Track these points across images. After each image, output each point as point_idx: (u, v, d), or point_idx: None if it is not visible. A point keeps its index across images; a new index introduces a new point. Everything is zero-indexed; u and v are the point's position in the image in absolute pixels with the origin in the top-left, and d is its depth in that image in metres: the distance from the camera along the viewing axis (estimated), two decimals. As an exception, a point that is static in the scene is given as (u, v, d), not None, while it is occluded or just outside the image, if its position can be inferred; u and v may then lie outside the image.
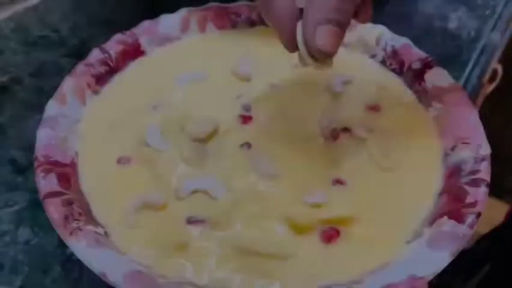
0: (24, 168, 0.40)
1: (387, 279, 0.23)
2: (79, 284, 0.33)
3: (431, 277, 0.23)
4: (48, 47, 0.53)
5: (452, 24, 0.59)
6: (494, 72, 1.04)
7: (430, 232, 0.26)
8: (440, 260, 0.24)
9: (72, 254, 0.34)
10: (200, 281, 0.25)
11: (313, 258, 0.26)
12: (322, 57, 0.25)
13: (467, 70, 0.53)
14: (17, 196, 0.38)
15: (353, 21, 0.39)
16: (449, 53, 0.54)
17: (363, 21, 0.29)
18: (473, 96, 0.51)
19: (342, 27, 0.24)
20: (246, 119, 0.33)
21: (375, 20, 0.43)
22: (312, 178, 0.29)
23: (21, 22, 0.57)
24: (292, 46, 0.27)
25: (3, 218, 0.37)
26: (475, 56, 0.55)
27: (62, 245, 0.34)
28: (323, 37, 0.24)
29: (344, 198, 0.28)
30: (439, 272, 0.24)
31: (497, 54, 0.92)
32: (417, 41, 0.57)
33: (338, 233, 0.27)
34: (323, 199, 0.28)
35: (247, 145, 0.31)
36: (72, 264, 0.34)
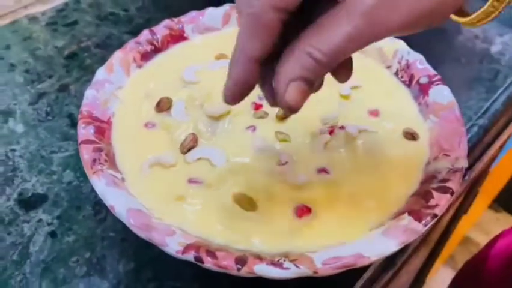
0: (77, 123, 0.47)
1: (337, 253, 0.26)
2: (103, 222, 0.37)
3: (375, 258, 0.26)
4: (116, 23, 0.59)
5: (494, 48, 0.59)
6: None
7: (390, 224, 0.29)
8: (387, 246, 0.27)
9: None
10: (188, 228, 0.29)
11: (283, 227, 0.29)
12: (287, 112, 0.25)
13: (497, 94, 0.53)
14: (68, 145, 0.43)
15: None
16: (485, 75, 0.55)
17: (342, 81, 0.27)
18: (494, 119, 0.51)
19: (311, 86, 0.24)
20: (257, 106, 0.36)
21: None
22: (301, 164, 0.32)
23: (97, -1, 0.63)
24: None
25: (55, 161, 0.42)
26: (508, 81, 0.55)
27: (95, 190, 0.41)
28: (293, 94, 0.23)
29: (323, 184, 0.31)
30: (384, 256, 0.27)
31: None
32: (455, 60, 0.57)
33: (309, 210, 0.30)
34: (303, 181, 0.31)
35: (253, 128, 0.35)
36: (100, 206, 0.38)
